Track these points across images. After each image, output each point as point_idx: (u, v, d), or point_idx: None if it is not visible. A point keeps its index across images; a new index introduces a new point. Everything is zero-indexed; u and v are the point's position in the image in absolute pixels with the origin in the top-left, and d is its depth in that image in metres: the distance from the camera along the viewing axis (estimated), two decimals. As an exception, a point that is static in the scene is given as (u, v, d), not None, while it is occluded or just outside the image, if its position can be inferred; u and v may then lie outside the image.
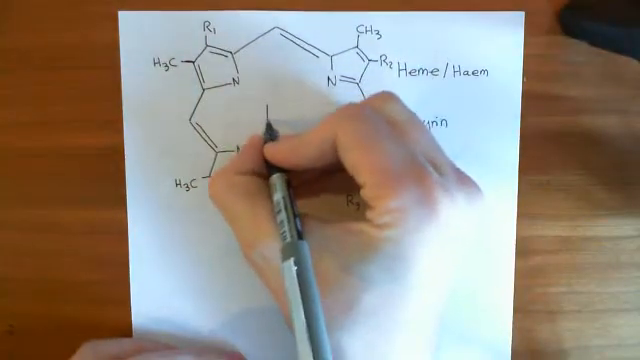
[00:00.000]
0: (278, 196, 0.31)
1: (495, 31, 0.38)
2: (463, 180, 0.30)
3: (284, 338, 0.39)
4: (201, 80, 0.38)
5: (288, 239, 0.29)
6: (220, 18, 0.38)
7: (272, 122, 0.36)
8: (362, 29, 0.38)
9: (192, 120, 0.38)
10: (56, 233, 0.39)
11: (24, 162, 0.39)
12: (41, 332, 0.40)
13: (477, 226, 0.30)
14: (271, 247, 0.29)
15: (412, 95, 0.38)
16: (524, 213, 0.39)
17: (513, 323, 0.39)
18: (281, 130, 0.38)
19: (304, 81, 0.38)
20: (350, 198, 0.39)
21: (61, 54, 0.38)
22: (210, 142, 0.38)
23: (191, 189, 0.39)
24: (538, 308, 0.40)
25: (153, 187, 0.39)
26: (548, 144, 0.39)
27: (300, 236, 0.29)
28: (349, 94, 0.38)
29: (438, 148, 0.31)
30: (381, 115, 0.30)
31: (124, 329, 0.39)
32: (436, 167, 0.29)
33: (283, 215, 0.30)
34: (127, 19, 0.38)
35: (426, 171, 0.28)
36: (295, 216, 0.30)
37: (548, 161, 0.39)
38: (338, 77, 0.38)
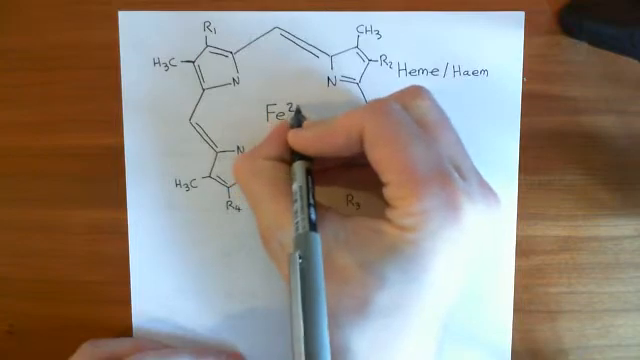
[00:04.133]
0: (296, 185, 0.30)
1: (495, 31, 0.38)
2: (484, 187, 0.30)
3: (284, 338, 0.39)
4: (201, 80, 0.38)
5: (300, 230, 0.28)
6: (220, 18, 0.38)
7: (301, 108, 0.36)
8: (362, 29, 0.38)
9: (192, 120, 0.38)
10: (56, 233, 0.39)
11: (24, 162, 0.39)
12: (41, 332, 0.40)
13: (493, 233, 0.30)
14: (289, 236, 0.29)
15: (412, 95, 0.38)
16: (524, 213, 0.39)
17: (513, 323, 0.39)
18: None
19: (304, 81, 0.38)
20: (350, 198, 0.39)
21: (61, 54, 0.38)
22: (210, 142, 0.38)
23: (191, 189, 0.39)
24: (538, 308, 0.40)
25: (153, 187, 0.39)
26: (548, 144, 0.39)
27: (313, 227, 0.28)
28: (349, 94, 0.38)
29: (464, 152, 0.30)
30: (411, 113, 0.30)
31: (124, 329, 0.39)
32: (460, 172, 0.29)
33: (298, 205, 0.29)
34: (127, 19, 0.38)
35: (452, 176, 0.28)
36: (310, 206, 0.29)
37: (548, 161, 0.39)
38: (338, 77, 0.38)
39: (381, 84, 0.38)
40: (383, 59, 0.38)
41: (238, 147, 0.39)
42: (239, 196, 0.39)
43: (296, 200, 0.30)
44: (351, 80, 0.38)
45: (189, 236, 0.39)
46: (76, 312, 0.40)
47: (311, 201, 0.30)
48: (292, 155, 0.32)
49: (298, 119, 0.34)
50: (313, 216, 0.29)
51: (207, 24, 0.38)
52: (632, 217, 0.39)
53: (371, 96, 0.38)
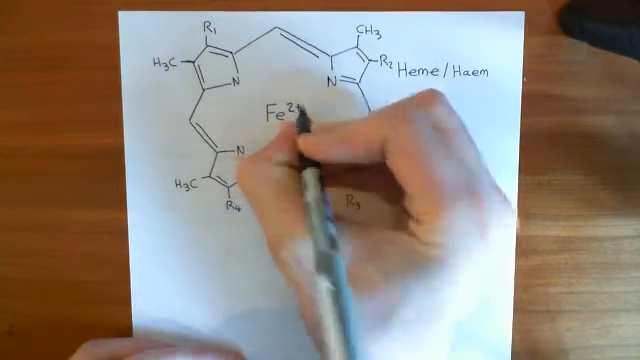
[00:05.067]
0: (310, 196, 0.29)
1: (495, 31, 0.38)
2: (502, 197, 0.29)
3: (284, 337, 0.39)
4: (201, 80, 0.38)
5: (320, 247, 0.27)
6: (220, 18, 0.38)
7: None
8: (362, 29, 0.38)
9: (192, 120, 0.38)
10: (56, 233, 0.39)
11: (24, 162, 0.39)
12: (41, 332, 0.40)
13: (506, 250, 0.29)
14: (303, 246, 0.28)
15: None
16: (524, 213, 0.39)
17: (513, 323, 0.39)
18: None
19: (304, 81, 0.38)
20: (350, 198, 0.39)
21: (61, 54, 0.38)
22: (210, 142, 0.38)
23: (191, 189, 0.39)
24: (538, 308, 0.40)
25: (153, 187, 0.39)
26: (548, 144, 0.39)
27: (334, 245, 0.27)
28: (349, 94, 0.38)
29: (482, 161, 0.29)
30: (431, 120, 0.28)
31: (124, 329, 0.39)
32: (483, 184, 0.28)
33: (315, 219, 0.28)
34: (127, 19, 0.38)
35: (478, 191, 0.27)
36: (328, 220, 0.28)
37: (548, 161, 0.39)
38: (338, 77, 0.38)
39: (381, 84, 0.38)
40: (383, 59, 0.38)
41: (238, 147, 0.39)
42: (239, 196, 0.39)
43: (311, 213, 0.28)
44: (351, 80, 0.38)
45: (189, 236, 0.39)
46: (76, 312, 0.40)
47: (329, 215, 0.28)
48: (301, 160, 0.31)
49: (304, 121, 0.32)
50: (332, 231, 0.28)
51: (207, 24, 0.38)
52: (632, 217, 0.39)
53: (371, 96, 0.38)
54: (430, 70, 0.38)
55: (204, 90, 0.38)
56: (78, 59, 0.38)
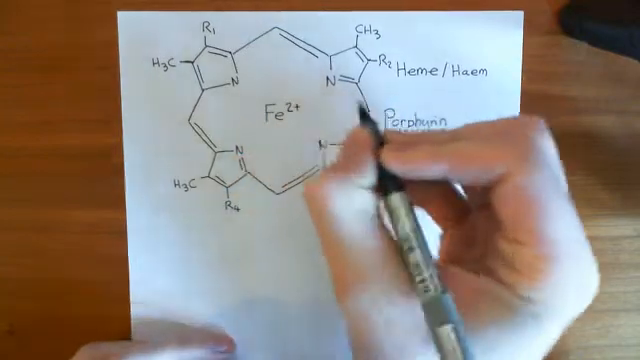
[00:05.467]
0: (408, 228, 0.25)
1: (494, 31, 0.37)
2: (594, 258, 0.26)
3: (284, 336, 0.39)
4: (200, 80, 0.38)
5: (432, 291, 0.24)
6: (219, 18, 0.38)
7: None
8: (361, 29, 0.38)
9: (191, 120, 0.38)
10: (56, 233, 0.39)
11: (24, 162, 0.39)
12: (41, 332, 0.40)
13: None
14: (375, 298, 0.25)
15: (411, 95, 0.38)
16: (524, 213, 0.39)
17: (513, 323, 0.39)
18: (280, 131, 0.38)
19: (303, 81, 0.38)
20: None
21: (60, 54, 0.38)
22: (209, 142, 0.38)
23: (190, 189, 0.39)
24: (538, 308, 0.40)
25: (152, 187, 0.39)
26: (548, 144, 0.39)
27: (444, 287, 0.24)
28: (348, 94, 0.38)
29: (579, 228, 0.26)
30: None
31: (123, 328, 0.40)
32: (586, 242, 0.25)
33: (419, 256, 0.24)
34: (126, 19, 0.38)
35: (587, 251, 0.24)
36: (431, 258, 0.25)
37: (548, 161, 0.39)
38: (337, 77, 0.38)
39: (380, 84, 0.38)
40: (382, 59, 0.38)
41: (237, 147, 0.38)
42: (238, 196, 0.39)
43: (410, 248, 0.25)
44: (350, 80, 0.38)
45: (188, 236, 0.39)
46: (76, 312, 0.40)
47: (429, 249, 0.25)
48: (381, 181, 0.26)
49: (375, 126, 0.26)
50: (437, 270, 0.24)
51: (206, 24, 0.38)
52: (632, 217, 0.39)
53: (370, 95, 0.38)
54: (429, 70, 0.38)
55: (203, 90, 0.38)
56: (77, 59, 0.38)
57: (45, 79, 0.39)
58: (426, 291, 0.24)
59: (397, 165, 0.25)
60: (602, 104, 0.38)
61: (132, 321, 0.39)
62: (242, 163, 0.39)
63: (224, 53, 0.38)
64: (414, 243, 0.25)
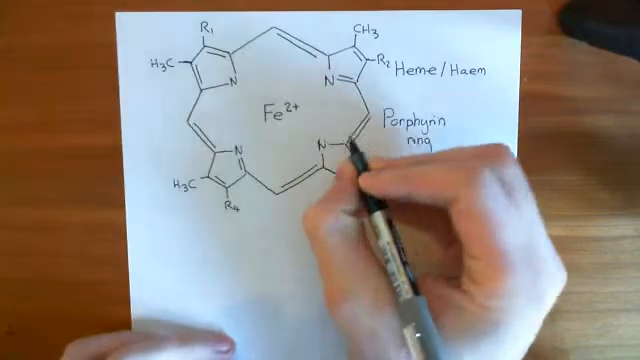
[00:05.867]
0: (383, 241, 0.30)
1: (492, 30, 0.37)
2: (556, 258, 0.29)
3: (283, 337, 0.39)
4: (199, 80, 0.38)
5: (403, 295, 0.28)
6: (218, 19, 0.37)
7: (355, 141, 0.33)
8: (359, 28, 0.38)
9: (190, 121, 0.38)
10: (55, 233, 0.39)
11: (23, 162, 0.39)
12: (41, 332, 0.40)
13: None
14: (363, 304, 0.28)
15: (410, 94, 0.38)
16: (524, 213, 0.39)
17: (513, 323, 0.39)
18: (279, 131, 0.38)
19: (302, 81, 0.38)
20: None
21: (59, 54, 0.38)
22: (208, 142, 0.38)
23: (189, 189, 0.39)
24: (538, 308, 0.40)
25: (151, 187, 0.39)
26: (548, 144, 0.39)
27: (416, 289, 0.28)
28: (347, 93, 0.38)
29: (541, 222, 0.29)
30: (500, 181, 0.28)
31: (123, 328, 0.40)
32: (540, 247, 0.28)
33: (392, 265, 0.29)
34: (124, 20, 0.38)
35: (540, 260, 0.28)
36: (405, 265, 0.29)
37: (548, 161, 0.39)
38: (336, 76, 0.38)
39: (379, 83, 0.38)
40: (380, 58, 0.38)
41: (236, 147, 0.38)
42: (237, 196, 0.39)
43: (388, 259, 0.29)
44: (349, 79, 0.38)
45: (188, 236, 0.39)
46: (76, 312, 0.40)
47: (404, 259, 0.29)
48: (366, 204, 0.31)
49: (360, 156, 0.32)
50: (411, 275, 0.28)
51: (204, 24, 0.38)
52: (632, 217, 0.39)
53: (369, 95, 0.38)
54: (427, 69, 0.38)
55: (202, 90, 0.38)
56: (76, 59, 0.38)
57: (44, 79, 0.39)
58: (399, 295, 0.28)
59: (370, 188, 0.30)
60: (602, 104, 0.38)
61: (132, 321, 0.40)
62: (241, 163, 0.39)
63: (222, 53, 0.38)
64: (389, 254, 0.29)
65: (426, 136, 0.38)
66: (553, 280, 0.28)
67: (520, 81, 0.38)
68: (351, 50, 0.38)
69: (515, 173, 0.29)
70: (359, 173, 0.31)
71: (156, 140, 0.38)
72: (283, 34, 0.38)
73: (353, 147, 0.32)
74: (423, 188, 0.28)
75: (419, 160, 0.31)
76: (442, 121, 0.38)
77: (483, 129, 0.38)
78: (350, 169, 0.31)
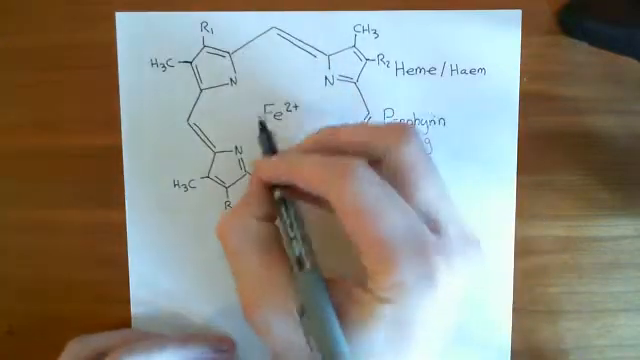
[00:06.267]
0: (287, 223, 0.29)
1: (492, 30, 0.37)
2: (463, 237, 0.29)
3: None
4: (198, 80, 0.38)
5: (296, 271, 0.28)
6: (217, 19, 0.38)
7: (265, 120, 0.34)
8: (359, 28, 0.38)
9: (190, 121, 0.38)
10: (55, 233, 0.39)
11: (23, 162, 0.39)
12: (41, 332, 0.40)
13: (473, 282, 0.29)
14: (278, 312, 0.28)
15: (410, 94, 0.38)
16: (524, 213, 0.39)
17: (513, 323, 0.39)
18: (279, 131, 0.38)
19: (302, 81, 0.38)
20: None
21: (59, 54, 0.38)
22: (208, 142, 0.38)
23: (189, 189, 0.39)
24: (538, 308, 0.40)
25: (151, 187, 0.39)
26: (548, 144, 0.39)
27: (301, 266, 0.28)
28: (347, 93, 0.38)
29: (447, 204, 0.29)
30: (390, 158, 0.28)
31: (123, 328, 0.39)
32: (437, 225, 0.28)
33: (293, 244, 0.28)
34: (124, 20, 0.38)
35: (427, 244, 0.27)
36: (292, 240, 0.28)
37: (548, 161, 0.39)
38: (336, 76, 0.38)
39: (379, 83, 0.38)
40: (380, 58, 0.38)
41: (236, 147, 0.39)
42: (237, 196, 0.39)
43: (288, 240, 0.29)
44: (349, 79, 0.38)
45: (188, 236, 0.39)
46: (75, 312, 0.40)
47: (291, 234, 0.29)
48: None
49: (267, 136, 0.32)
50: (298, 250, 0.28)
51: (204, 24, 0.38)
52: (632, 217, 0.39)
53: (369, 95, 0.38)
54: (427, 69, 0.38)
55: (202, 90, 0.38)
56: (76, 59, 0.38)
57: (45, 79, 0.39)
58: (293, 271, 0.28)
59: (263, 175, 0.30)
60: (602, 104, 0.38)
61: (132, 321, 0.40)
62: (241, 163, 0.39)
63: (222, 53, 0.38)
64: (290, 235, 0.28)
65: (426, 136, 0.38)
66: (449, 262, 0.27)
67: (520, 81, 0.38)
68: (351, 50, 0.38)
69: (410, 150, 0.28)
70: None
71: (156, 140, 0.38)
72: (283, 34, 0.38)
73: (262, 126, 0.32)
74: (298, 180, 0.28)
75: (313, 142, 0.31)
76: (442, 121, 0.38)
77: (483, 129, 0.38)
78: (256, 169, 0.31)
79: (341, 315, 0.27)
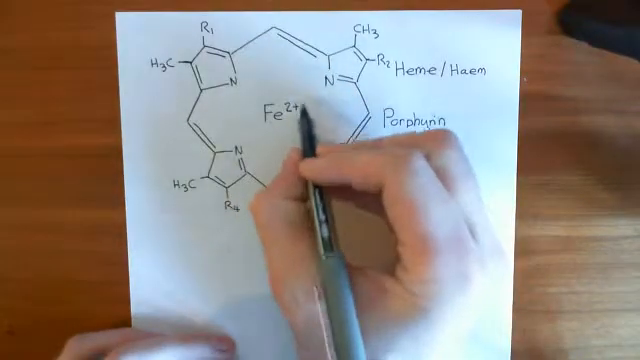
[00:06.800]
0: (316, 210, 0.30)
1: (492, 30, 0.37)
2: (496, 247, 0.29)
3: (282, 338, 0.39)
4: (199, 80, 0.38)
5: (321, 254, 0.29)
6: (218, 19, 0.37)
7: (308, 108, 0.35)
8: (359, 28, 0.38)
9: (190, 120, 0.38)
10: (55, 233, 0.39)
11: (23, 162, 0.39)
12: (41, 332, 0.40)
13: (498, 289, 0.30)
14: (303, 287, 0.29)
15: (410, 94, 0.38)
16: (524, 213, 0.39)
17: (513, 323, 0.39)
18: (279, 131, 0.38)
19: (302, 81, 0.38)
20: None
21: (59, 54, 0.38)
22: (208, 142, 0.38)
23: (189, 189, 0.39)
24: (538, 308, 0.40)
25: (151, 187, 0.39)
26: (548, 144, 0.39)
27: (328, 247, 0.29)
28: (347, 93, 0.38)
29: (481, 209, 0.30)
30: (435, 162, 0.29)
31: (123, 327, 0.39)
32: (475, 232, 0.28)
33: (319, 231, 0.30)
34: (124, 20, 0.38)
35: (467, 245, 0.27)
36: (322, 224, 0.30)
37: (548, 161, 0.39)
38: (336, 76, 0.38)
39: (379, 83, 0.38)
40: (380, 58, 0.38)
41: (236, 147, 0.38)
42: (237, 196, 0.39)
43: (315, 225, 0.30)
44: (349, 79, 0.38)
45: (188, 236, 0.39)
46: (76, 312, 0.40)
47: (321, 217, 0.30)
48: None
49: (307, 125, 0.33)
50: (325, 234, 0.29)
51: (204, 24, 0.38)
52: (632, 217, 0.39)
53: (369, 95, 0.38)
54: (428, 69, 0.38)
55: (202, 90, 0.38)
56: (76, 60, 0.38)
57: (45, 79, 0.39)
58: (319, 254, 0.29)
59: (307, 175, 0.31)
60: (602, 104, 0.38)
61: (132, 321, 0.40)
62: (241, 163, 0.39)
63: (222, 53, 0.38)
64: (316, 222, 0.30)
65: (426, 136, 0.38)
66: (483, 267, 0.27)
67: (520, 81, 0.38)
68: (351, 50, 0.38)
69: (454, 156, 0.29)
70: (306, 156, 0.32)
71: (156, 140, 0.38)
72: (283, 34, 0.38)
73: (303, 112, 0.34)
74: (351, 174, 0.29)
75: (358, 146, 0.32)
76: (442, 121, 0.38)
77: (483, 129, 0.38)
78: (294, 156, 0.32)
79: (365, 304, 0.28)
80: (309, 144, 0.33)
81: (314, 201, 0.31)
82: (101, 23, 0.38)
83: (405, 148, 0.29)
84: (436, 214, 0.27)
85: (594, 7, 0.35)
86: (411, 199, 0.27)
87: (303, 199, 0.32)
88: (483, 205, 0.30)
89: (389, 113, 0.38)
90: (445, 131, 0.30)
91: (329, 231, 0.30)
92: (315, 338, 0.28)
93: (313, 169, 0.31)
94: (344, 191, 0.31)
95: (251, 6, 0.37)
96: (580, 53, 0.38)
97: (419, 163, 0.28)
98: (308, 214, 0.31)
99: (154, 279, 0.39)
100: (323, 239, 0.29)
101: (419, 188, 0.27)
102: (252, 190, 0.38)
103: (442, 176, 0.28)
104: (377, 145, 0.32)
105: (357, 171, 0.29)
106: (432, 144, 0.30)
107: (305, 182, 0.32)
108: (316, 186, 0.31)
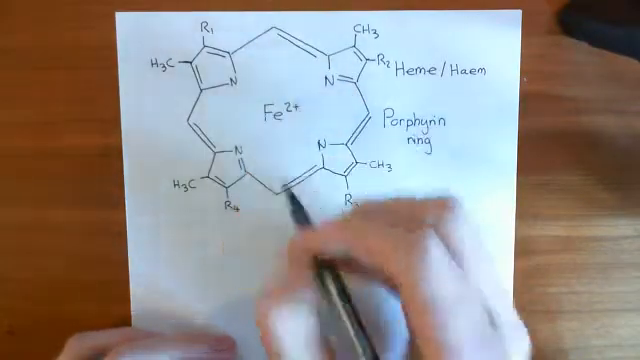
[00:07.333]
0: (339, 305, 0.27)
1: (493, 30, 0.37)
2: (516, 331, 0.27)
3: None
4: (199, 80, 0.38)
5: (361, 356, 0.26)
6: (217, 18, 0.37)
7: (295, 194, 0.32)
8: (359, 28, 0.38)
9: (190, 121, 0.38)
10: (55, 233, 0.39)
11: (23, 162, 0.39)
12: (41, 332, 0.40)
13: None
14: None
15: (410, 94, 0.38)
16: (524, 213, 0.39)
17: (513, 323, 0.39)
18: (279, 131, 0.38)
19: (302, 81, 0.38)
20: (349, 197, 0.39)
21: (59, 54, 0.38)
22: (208, 142, 0.38)
23: (189, 189, 0.39)
24: (538, 308, 0.40)
25: (151, 188, 0.39)
26: (548, 144, 0.39)
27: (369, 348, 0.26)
28: (347, 93, 0.38)
29: (498, 287, 0.27)
30: (446, 238, 0.26)
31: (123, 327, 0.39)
32: (492, 315, 0.26)
33: (350, 331, 0.26)
34: (124, 20, 0.38)
35: (489, 342, 0.25)
36: (360, 331, 0.26)
37: (548, 161, 0.39)
38: (336, 76, 0.38)
39: (379, 83, 0.38)
40: (380, 58, 0.38)
41: (236, 147, 0.38)
42: (237, 196, 0.39)
43: (345, 321, 0.27)
44: (349, 79, 0.38)
45: (188, 236, 0.39)
46: (76, 312, 0.40)
47: (352, 332, 0.27)
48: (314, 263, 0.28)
49: (299, 209, 0.31)
50: (360, 350, 0.26)
51: (204, 24, 0.38)
52: (632, 217, 0.39)
53: (369, 95, 0.38)
54: (428, 69, 0.38)
55: (202, 90, 0.38)
56: (76, 60, 0.38)
57: (45, 79, 0.39)
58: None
59: (311, 244, 0.28)
60: (602, 104, 0.38)
61: (132, 321, 0.39)
62: (241, 163, 0.39)
63: (222, 53, 0.38)
64: (346, 319, 0.27)
65: (426, 136, 0.38)
66: (506, 355, 0.25)
67: (520, 81, 0.38)
68: (351, 50, 0.38)
69: (462, 229, 0.26)
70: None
71: (156, 140, 0.38)
72: (283, 34, 0.38)
73: (291, 196, 0.31)
74: (360, 251, 0.26)
75: (358, 216, 0.29)
76: (442, 121, 0.38)
77: (483, 129, 0.38)
78: (298, 249, 0.29)
79: None
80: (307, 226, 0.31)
81: (337, 306, 0.27)
82: (101, 23, 0.38)
83: (413, 222, 0.26)
84: (457, 319, 0.24)
85: (594, 7, 0.35)
86: (429, 303, 0.24)
87: (315, 300, 0.28)
88: (499, 281, 0.27)
89: (389, 113, 0.38)
90: (451, 199, 0.27)
91: (365, 344, 0.26)
92: None
93: (316, 238, 0.28)
94: (349, 265, 0.28)
95: (251, 6, 0.37)
96: (580, 53, 0.38)
97: (433, 249, 0.24)
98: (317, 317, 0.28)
99: (154, 279, 0.39)
100: (375, 354, 0.26)
101: (436, 288, 0.24)
102: (252, 190, 0.39)
103: (453, 252, 0.26)
104: (376, 210, 0.29)
105: (362, 250, 0.26)
106: (439, 216, 0.26)
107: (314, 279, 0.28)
108: (335, 282, 0.28)
